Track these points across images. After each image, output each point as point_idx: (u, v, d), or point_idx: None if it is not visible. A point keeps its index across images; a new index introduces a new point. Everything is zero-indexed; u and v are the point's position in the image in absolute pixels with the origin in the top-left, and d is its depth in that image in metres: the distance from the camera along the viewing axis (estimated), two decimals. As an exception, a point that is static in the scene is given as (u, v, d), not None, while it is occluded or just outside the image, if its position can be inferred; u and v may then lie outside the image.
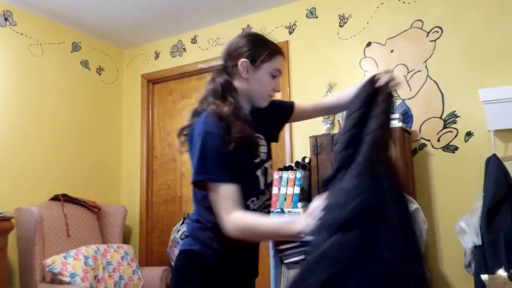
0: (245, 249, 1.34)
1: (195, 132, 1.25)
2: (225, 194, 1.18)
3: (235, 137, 1.21)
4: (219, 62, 1.37)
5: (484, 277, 1.86)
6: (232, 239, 1.23)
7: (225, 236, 1.23)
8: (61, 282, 2.43)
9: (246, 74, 1.30)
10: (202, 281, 1.26)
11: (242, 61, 1.29)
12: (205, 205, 1.28)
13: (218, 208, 1.19)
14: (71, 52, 3.37)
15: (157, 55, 3.67)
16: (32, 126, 3.01)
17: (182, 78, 3.56)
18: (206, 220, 1.28)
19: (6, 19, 2.90)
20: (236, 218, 1.16)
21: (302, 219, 1.07)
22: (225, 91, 1.29)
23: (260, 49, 1.30)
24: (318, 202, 1.04)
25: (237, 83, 1.32)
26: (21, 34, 3.00)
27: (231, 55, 1.32)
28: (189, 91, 3.52)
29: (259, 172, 1.34)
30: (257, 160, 1.33)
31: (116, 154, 3.70)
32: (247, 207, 1.28)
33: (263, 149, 1.37)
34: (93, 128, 3.49)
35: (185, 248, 1.30)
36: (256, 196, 1.33)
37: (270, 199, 1.42)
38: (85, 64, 3.48)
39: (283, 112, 1.51)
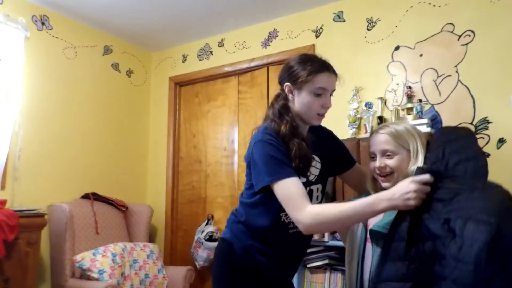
0: (272, 251, 1.39)
1: (253, 142, 1.34)
2: (292, 190, 1.22)
3: (293, 154, 1.29)
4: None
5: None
6: (261, 240, 1.35)
7: (253, 234, 1.36)
8: (89, 278, 2.51)
9: (292, 97, 1.38)
10: (230, 266, 1.40)
11: (286, 85, 1.38)
12: (243, 201, 1.41)
13: (288, 205, 1.22)
14: (103, 55, 3.48)
15: (184, 58, 3.74)
16: (64, 126, 3.12)
17: (208, 81, 3.61)
18: (241, 215, 1.40)
19: (43, 23, 3.03)
20: (310, 212, 1.18)
21: (387, 195, 1.10)
22: (282, 113, 1.37)
23: (299, 71, 1.34)
24: (404, 184, 1.08)
25: (291, 105, 1.40)
26: (57, 37, 3.12)
27: (280, 80, 1.42)
28: (215, 94, 3.57)
29: None
30: (302, 180, 1.35)
31: (143, 154, 3.79)
32: (279, 218, 1.36)
33: (314, 170, 1.41)
34: (121, 129, 3.58)
35: (221, 236, 1.48)
36: None
37: None
38: (115, 66, 3.59)
39: (342, 166, 1.56)
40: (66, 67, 3.18)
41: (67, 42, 3.20)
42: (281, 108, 1.38)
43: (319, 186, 1.44)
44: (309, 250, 2.36)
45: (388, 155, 1.27)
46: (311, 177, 1.41)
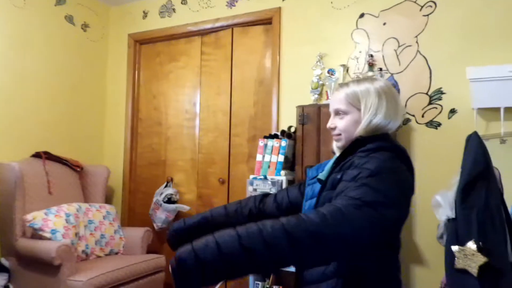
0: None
1: None
2: None
3: None
4: None
5: (455, 248, 1.94)
6: None
7: None
8: (41, 238, 2.44)
9: None
10: None
11: None
12: None
13: None
14: (55, 5, 3.23)
15: (145, 15, 3.55)
16: (14, 81, 2.92)
17: (171, 40, 3.47)
18: None
19: (-15, -35, 2.75)
20: None
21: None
22: None
23: None
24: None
25: None
26: (2, -18, 2.85)
27: None
28: (177, 54, 3.45)
29: None
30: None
31: (100, 114, 3.64)
32: None
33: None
34: (76, 86, 3.40)
35: None
36: None
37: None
38: (69, 19, 3.35)
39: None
40: (13, 16, 2.93)
41: (14, -12, 2.93)
42: None
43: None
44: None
45: (340, 115, 1.19)
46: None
